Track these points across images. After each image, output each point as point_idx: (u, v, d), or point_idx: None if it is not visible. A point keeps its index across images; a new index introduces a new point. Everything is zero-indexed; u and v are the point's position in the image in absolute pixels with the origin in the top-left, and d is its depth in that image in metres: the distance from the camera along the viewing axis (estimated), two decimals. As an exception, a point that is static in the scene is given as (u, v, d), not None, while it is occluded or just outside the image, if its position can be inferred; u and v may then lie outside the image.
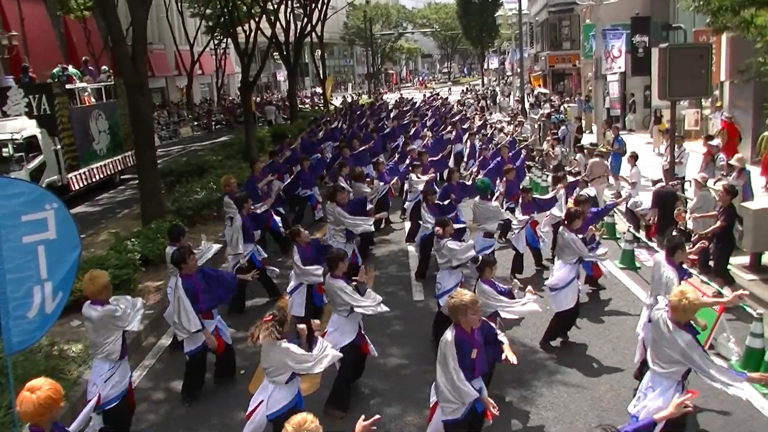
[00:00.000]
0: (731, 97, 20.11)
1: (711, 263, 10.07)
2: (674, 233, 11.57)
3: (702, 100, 19.87)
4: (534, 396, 7.23)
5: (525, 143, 18.72)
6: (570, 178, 12.30)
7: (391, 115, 29.46)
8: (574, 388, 7.40)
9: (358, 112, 31.60)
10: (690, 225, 11.56)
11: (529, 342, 8.58)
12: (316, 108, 45.44)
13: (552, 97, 37.72)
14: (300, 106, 46.78)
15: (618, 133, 17.80)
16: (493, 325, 6.12)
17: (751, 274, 10.19)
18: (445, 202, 11.39)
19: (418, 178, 13.34)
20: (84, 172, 19.34)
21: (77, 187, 18.83)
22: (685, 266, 7.11)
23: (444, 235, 8.45)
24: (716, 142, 15.90)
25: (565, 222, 8.64)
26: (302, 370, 5.75)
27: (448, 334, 5.41)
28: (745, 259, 10.46)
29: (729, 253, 9.77)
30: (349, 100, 46.11)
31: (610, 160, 16.12)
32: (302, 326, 6.10)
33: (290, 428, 3.69)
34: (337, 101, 48.13)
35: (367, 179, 13.63)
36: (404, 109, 33.37)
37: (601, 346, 8.38)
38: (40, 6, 31.16)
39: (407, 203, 13.73)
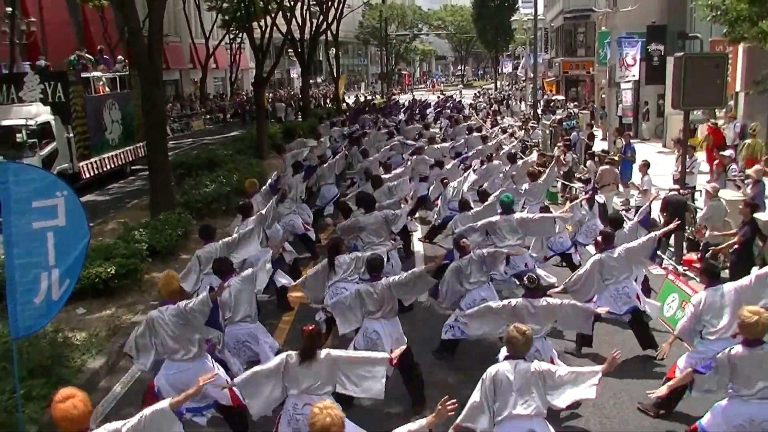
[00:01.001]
0: (746, 107, 20.00)
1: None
2: (685, 242, 11.59)
3: (716, 110, 19.75)
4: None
5: (536, 148, 18.64)
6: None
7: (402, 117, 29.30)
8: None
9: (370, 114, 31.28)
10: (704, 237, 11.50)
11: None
12: (328, 106, 45.45)
13: (568, 104, 37.47)
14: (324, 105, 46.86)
15: (629, 140, 17.74)
16: None
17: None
18: None
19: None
20: (95, 161, 19.42)
21: (88, 176, 18.92)
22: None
23: (468, 249, 8.31)
24: (729, 152, 15.83)
25: (604, 246, 8.32)
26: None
27: (537, 364, 5.27)
28: (755, 270, 10.38)
29: (748, 268, 9.69)
30: (362, 99, 46.05)
31: (620, 167, 16.08)
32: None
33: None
34: (350, 100, 48.10)
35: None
36: (415, 111, 33.24)
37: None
38: (59, -6, 31.32)
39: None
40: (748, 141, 16.15)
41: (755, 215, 9.84)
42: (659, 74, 24.43)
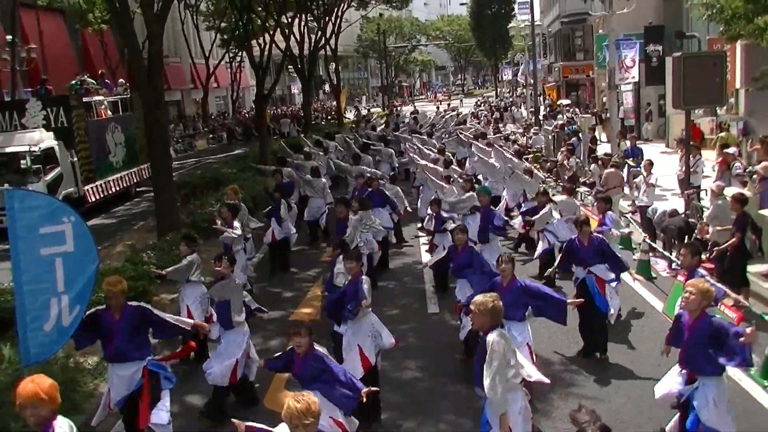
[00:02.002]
0: (747, 104, 19.98)
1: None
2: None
3: (717, 108, 19.75)
4: (549, 408, 7.16)
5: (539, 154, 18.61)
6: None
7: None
8: (591, 400, 7.31)
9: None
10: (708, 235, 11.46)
11: (544, 354, 8.48)
12: (331, 120, 45.58)
13: (575, 109, 37.40)
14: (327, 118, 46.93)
15: (635, 142, 17.74)
16: None
17: (769, 283, 10.07)
18: None
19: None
20: (100, 185, 19.52)
21: (93, 200, 19.00)
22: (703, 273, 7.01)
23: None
24: (732, 150, 15.81)
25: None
26: None
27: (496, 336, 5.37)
28: (763, 267, 10.33)
29: (743, 261, 9.66)
30: (364, 112, 46.14)
31: (626, 169, 16.06)
32: None
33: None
34: (350, 114, 48.22)
35: None
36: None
37: (618, 357, 8.30)
38: (58, 19, 31.60)
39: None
40: (721, 134, 16.19)
41: (760, 211, 9.82)
42: (659, 75, 24.43)
